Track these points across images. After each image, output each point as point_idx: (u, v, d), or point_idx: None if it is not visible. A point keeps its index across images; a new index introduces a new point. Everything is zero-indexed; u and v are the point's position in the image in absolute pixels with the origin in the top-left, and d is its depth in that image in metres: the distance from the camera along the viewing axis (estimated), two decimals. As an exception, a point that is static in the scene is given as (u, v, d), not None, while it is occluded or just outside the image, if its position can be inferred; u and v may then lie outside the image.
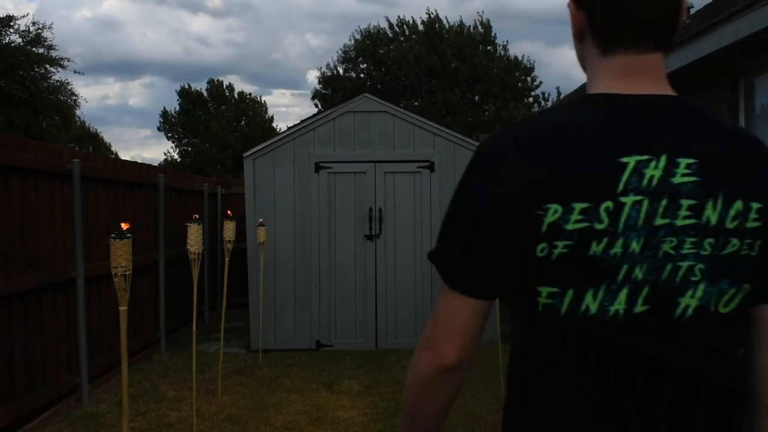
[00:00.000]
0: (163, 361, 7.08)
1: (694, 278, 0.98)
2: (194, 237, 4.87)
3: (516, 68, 30.66)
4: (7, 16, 24.40)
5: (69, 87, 26.30)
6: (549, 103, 29.91)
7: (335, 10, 64.73)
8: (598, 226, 0.96)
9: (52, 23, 42.15)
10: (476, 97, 30.08)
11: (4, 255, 4.56)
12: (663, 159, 0.98)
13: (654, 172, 0.98)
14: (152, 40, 77.03)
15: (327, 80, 32.19)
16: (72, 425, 4.98)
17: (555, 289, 0.99)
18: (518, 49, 62.96)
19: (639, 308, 0.98)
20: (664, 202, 0.98)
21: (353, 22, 65.99)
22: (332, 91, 31.32)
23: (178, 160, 39.13)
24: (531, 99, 31.63)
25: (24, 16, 51.64)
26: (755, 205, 1.00)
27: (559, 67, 57.45)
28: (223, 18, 73.48)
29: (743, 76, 5.76)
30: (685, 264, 0.98)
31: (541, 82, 32.73)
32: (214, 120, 37.47)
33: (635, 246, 0.97)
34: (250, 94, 41.12)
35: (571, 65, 59.45)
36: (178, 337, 8.31)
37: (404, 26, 31.36)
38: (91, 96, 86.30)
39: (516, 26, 57.65)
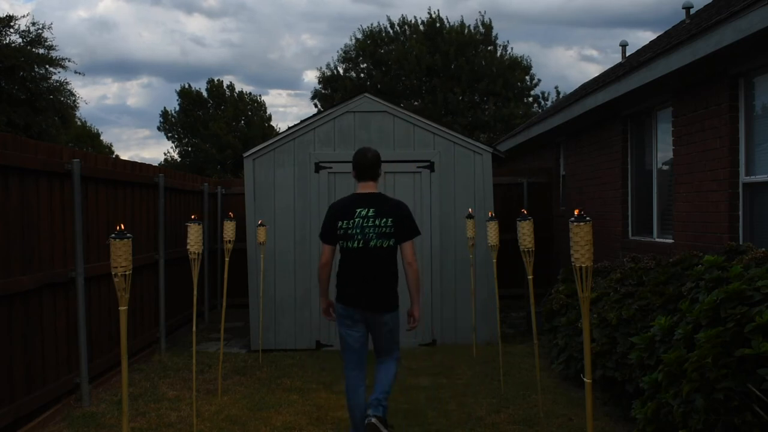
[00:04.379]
0: (163, 361, 7.08)
1: (373, 237, 4.30)
2: (194, 237, 4.86)
3: (516, 67, 30.67)
4: (7, 16, 24.39)
5: (69, 87, 26.34)
6: (549, 103, 29.91)
7: (330, 10, 64.78)
8: (351, 225, 4.33)
9: (51, 23, 42.07)
10: (476, 97, 30.08)
11: (4, 255, 4.56)
12: (366, 209, 4.35)
13: (364, 212, 4.34)
14: (148, 41, 77.08)
15: (327, 80, 32.18)
16: (72, 425, 4.98)
17: (342, 241, 4.35)
18: (513, 49, 62.91)
19: (359, 245, 4.30)
20: (366, 220, 4.33)
21: (349, 22, 65.96)
22: (332, 91, 31.30)
23: (178, 160, 39.14)
24: (531, 98, 31.64)
25: (24, 16, 51.64)
26: (390, 219, 4.33)
27: (556, 67, 57.42)
28: (218, 18, 73.52)
29: (743, 76, 5.75)
30: (371, 234, 4.30)
31: (539, 80, 32.77)
32: (213, 120, 37.45)
33: (358, 231, 4.31)
34: (250, 93, 41.14)
35: (567, 66, 59.45)
36: (178, 337, 8.31)
37: (405, 26, 31.34)
38: (89, 96, 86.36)
39: (510, 27, 57.71)
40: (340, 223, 4.32)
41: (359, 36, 31.82)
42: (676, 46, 6.01)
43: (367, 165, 4.40)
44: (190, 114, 38.61)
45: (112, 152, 46.29)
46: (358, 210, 4.33)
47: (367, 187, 4.43)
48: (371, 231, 4.29)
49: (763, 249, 4.53)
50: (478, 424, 4.99)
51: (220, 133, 36.34)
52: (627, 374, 4.77)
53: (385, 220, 4.31)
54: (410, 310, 4.54)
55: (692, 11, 8.31)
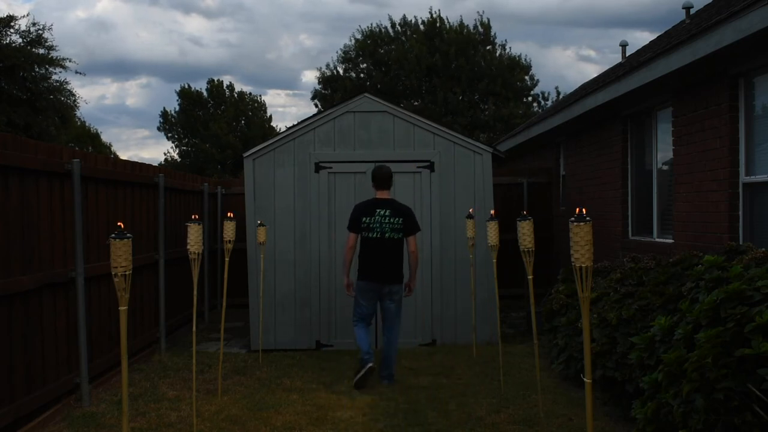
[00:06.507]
0: (163, 361, 7.08)
1: (388, 231, 6.13)
2: (194, 237, 4.86)
3: (515, 67, 30.66)
4: (7, 16, 24.37)
5: (68, 87, 26.33)
6: (549, 103, 29.91)
7: (328, 10, 64.77)
8: (372, 220, 6.15)
9: (52, 24, 42.06)
10: (476, 96, 30.07)
11: (4, 255, 4.55)
12: (383, 209, 6.18)
13: (383, 211, 6.17)
14: (146, 41, 77.00)
15: (327, 80, 32.17)
16: (72, 425, 4.98)
17: (363, 233, 6.18)
18: (511, 49, 62.94)
19: (378, 236, 6.13)
20: (384, 218, 6.15)
21: (347, 22, 65.96)
22: (332, 91, 31.30)
23: (178, 160, 39.13)
24: (530, 98, 31.63)
25: (24, 17, 51.63)
26: (401, 219, 6.17)
27: (554, 67, 57.39)
28: (216, 18, 73.47)
29: (743, 76, 5.75)
30: (387, 228, 6.13)
31: (538, 80, 32.74)
32: (214, 120, 37.44)
33: (377, 225, 6.13)
34: (249, 93, 41.12)
35: (565, 66, 59.42)
36: (178, 337, 8.31)
37: (405, 26, 31.32)
38: (88, 96, 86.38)
39: (508, 27, 57.70)
40: (364, 219, 6.11)
41: (359, 36, 31.83)
42: (676, 46, 6.01)
43: (384, 178, 6.25)
44: (190, 114, 38.60)
45: (112, 152, 46.29)
46: (378, 210, 6.13)
47: (383, 194, 6.26)
48: (387, 226, 6.10)
49: (763, 249, 4.53)
50: (478, 424, 4.99)
51: (220, 133, 36.34)
52: (627, 374, 4.76)
53: (397, 219, 6.12)
54: (408, 282, 6.34)
55: (692, 11, 8.31)
